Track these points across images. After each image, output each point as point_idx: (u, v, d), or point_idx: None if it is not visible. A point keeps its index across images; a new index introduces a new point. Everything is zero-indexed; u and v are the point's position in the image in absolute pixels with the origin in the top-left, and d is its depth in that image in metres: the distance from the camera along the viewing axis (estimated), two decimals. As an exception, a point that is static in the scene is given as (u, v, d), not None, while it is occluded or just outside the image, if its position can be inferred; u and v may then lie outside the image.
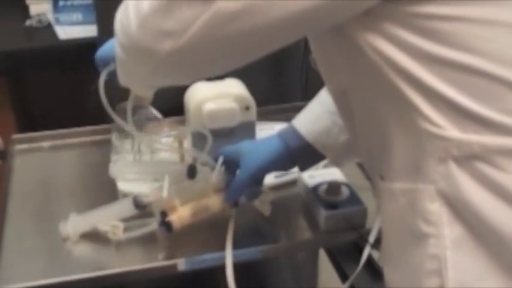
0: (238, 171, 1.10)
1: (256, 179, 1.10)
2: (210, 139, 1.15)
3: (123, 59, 0.86)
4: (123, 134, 1.21)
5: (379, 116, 0.77)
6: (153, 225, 1.09)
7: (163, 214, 1.08)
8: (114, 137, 1.25)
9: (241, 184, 1.09)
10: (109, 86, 1.29)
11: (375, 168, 0.85)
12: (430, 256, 0.73)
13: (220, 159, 1.12)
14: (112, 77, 1.05)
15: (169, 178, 1.10)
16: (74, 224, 1.11)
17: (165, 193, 1.08)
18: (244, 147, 1.12)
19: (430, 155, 0.72)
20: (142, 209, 1.09)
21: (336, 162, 1.12)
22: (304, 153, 1.09)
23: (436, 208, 0.72)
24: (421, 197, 0.74)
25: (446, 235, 0.72)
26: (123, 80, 0.98)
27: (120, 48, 0.85)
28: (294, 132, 1.09)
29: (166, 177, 1.10)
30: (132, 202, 1.09)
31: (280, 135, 1.10)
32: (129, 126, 1.10)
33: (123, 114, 1.17)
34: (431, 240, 0.73)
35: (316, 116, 1.08)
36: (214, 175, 1.11)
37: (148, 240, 1.12)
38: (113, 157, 1.25)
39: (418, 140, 0.72)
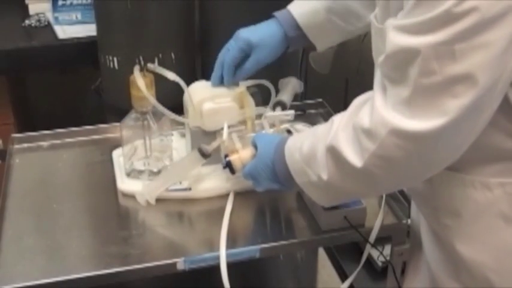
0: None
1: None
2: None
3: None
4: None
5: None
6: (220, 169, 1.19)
7: (226, 156, 1.15)
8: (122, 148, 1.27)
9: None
10: (111, 88, 1.29)
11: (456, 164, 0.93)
12: None
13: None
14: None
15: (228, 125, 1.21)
16: (149, 190, 1.18)
17: (224, 136, 1.19)
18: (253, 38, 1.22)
19: None
20: (208, 157, 1.18)
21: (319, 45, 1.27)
22: (297, 41, 1.25)
23: None
24: None
25: None
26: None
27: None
28: (293, 22, 1.22)
29: (225, 124, 1.20)
30: (199, 153, 1.16)
31: (282, 25, 1.23)
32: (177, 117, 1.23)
33: (129, 127, 1.22)
34: None
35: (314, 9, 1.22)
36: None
37: (147, 239, 1.13)
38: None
39: None
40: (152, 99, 1.17)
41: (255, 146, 1.14)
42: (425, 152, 0.86)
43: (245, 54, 1.22)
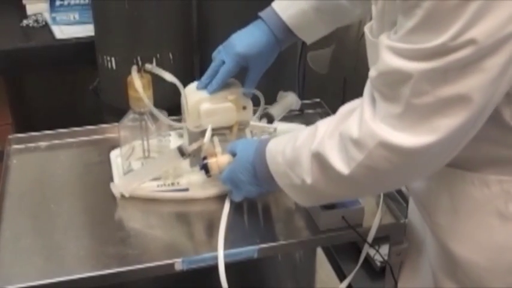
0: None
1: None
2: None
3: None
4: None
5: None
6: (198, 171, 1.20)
7: (204, 158, 1.17)
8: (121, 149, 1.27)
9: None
10: (109, 88, 1.28)
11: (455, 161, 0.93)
12: None
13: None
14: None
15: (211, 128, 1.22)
16: (125, 182, 1.20)
17: (206, 139, 1.19)
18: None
19: None
20: (187, 156, 1.19)
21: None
22: (287, 40, 1.26)
23: None
24: None
25: None
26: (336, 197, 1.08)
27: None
28: (283, 25, 1.22)
29: (209, 127, 1.21)
30: (178, 151, 1.18)
31: (271, 29, 1.22)
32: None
33: (127, 127, 1.22)
34: None
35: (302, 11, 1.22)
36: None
37: (145, 240, 1.13)
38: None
39: None
40: (148, 103, 1.17)
41: (233, 153, 1.15)
42: (411, 165, 0.88)
43: (241, 67, 1.23)
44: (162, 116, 1.19)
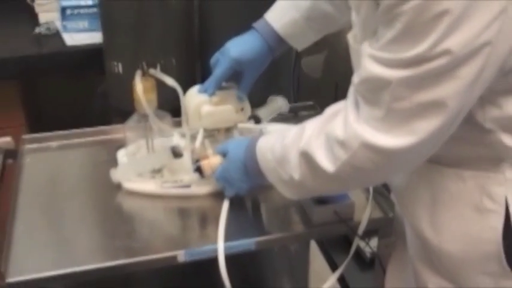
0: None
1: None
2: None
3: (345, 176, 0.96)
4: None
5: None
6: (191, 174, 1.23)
7: (197, 161, 1.21)
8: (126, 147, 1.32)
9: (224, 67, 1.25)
10: (116, 91, 1.30)
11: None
12: (491, 227, 0.97)
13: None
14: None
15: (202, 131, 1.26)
16: (123, 172, 1.25)
17: (198, 143, 1.24)
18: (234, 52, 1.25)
19: (504, 160, 0.96)
20: (179, 157, 1.24)
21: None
22: (280, 49, 1.29)
23: (502, 191, 0.96)
24: (490, 182, 0.97)
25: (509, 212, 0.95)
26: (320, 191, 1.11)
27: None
28: (275, 35, 1.26)
29: (200, 131, 1.25)
30: (170, 151, 1.22)
31: (265, 39, 1.26)
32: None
33: (132, 128, 1.27)
34: (493, 214, 0.96)
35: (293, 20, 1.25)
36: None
37: (150, 233, 1.17)
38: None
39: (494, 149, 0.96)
40: (146, 106, 1.20)
41: (223, 153, 1.19)
42: (392, 164, 0.92)
43: (234, 71, 1.27)
44: (157, 121, 1.23)
